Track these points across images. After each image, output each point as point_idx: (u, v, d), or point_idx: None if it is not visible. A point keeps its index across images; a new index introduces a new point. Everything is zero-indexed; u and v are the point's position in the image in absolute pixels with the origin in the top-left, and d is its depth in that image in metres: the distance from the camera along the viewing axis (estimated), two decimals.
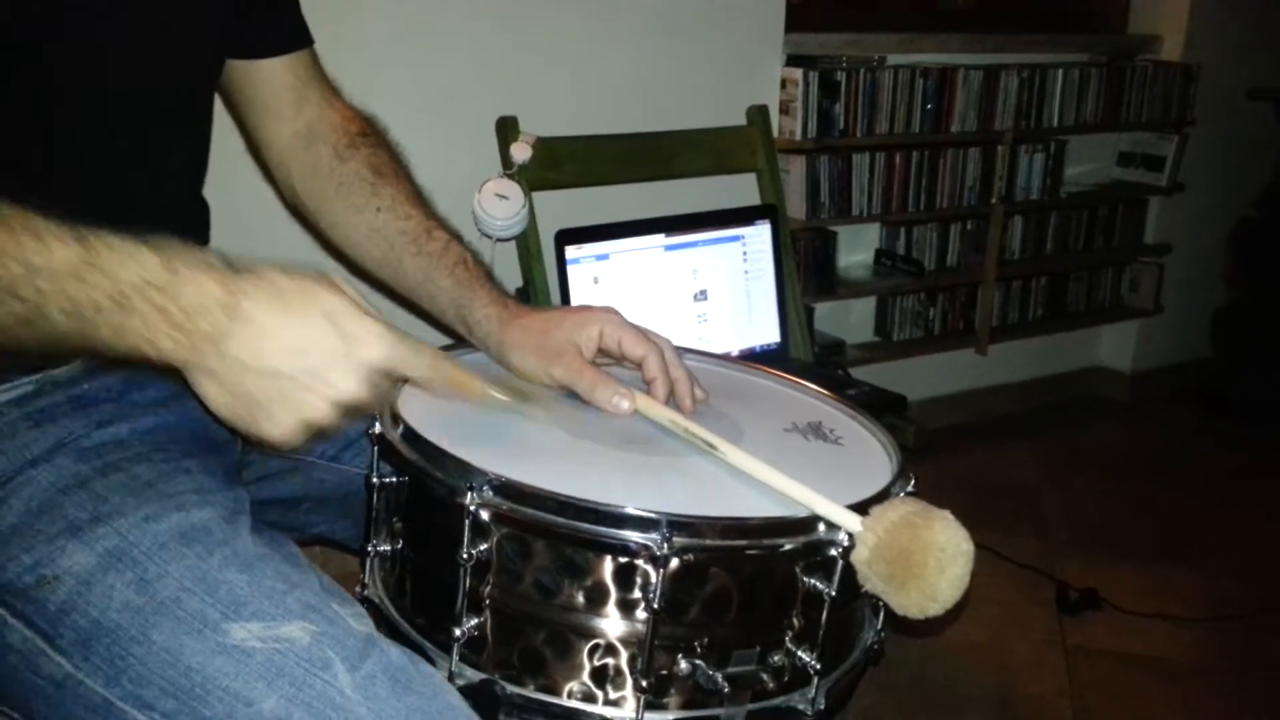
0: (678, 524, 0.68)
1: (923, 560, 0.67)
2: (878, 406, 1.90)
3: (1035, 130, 2.62)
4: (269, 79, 0.99)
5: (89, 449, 0.76)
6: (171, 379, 0.69)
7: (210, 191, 0.98)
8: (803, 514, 0.72)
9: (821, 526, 0.72)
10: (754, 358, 2.05)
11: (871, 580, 0.70)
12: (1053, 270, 2.86)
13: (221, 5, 0.90)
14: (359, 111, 1.04)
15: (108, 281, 0.61)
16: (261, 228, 1.75)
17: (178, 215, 0.92)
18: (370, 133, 1.02)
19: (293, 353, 0.65)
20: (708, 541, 0.69)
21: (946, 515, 0.69)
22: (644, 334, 0.89)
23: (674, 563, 0.68)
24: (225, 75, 0.98)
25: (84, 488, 0.73)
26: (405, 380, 0.75)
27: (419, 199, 0.98)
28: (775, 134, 2.24)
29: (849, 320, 2.63)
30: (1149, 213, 2.99)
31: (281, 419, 0.67)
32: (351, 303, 0.68)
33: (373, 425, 0.79)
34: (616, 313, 0.90)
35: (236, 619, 0.68)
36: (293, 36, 1.00)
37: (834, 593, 0.72)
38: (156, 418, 0.81)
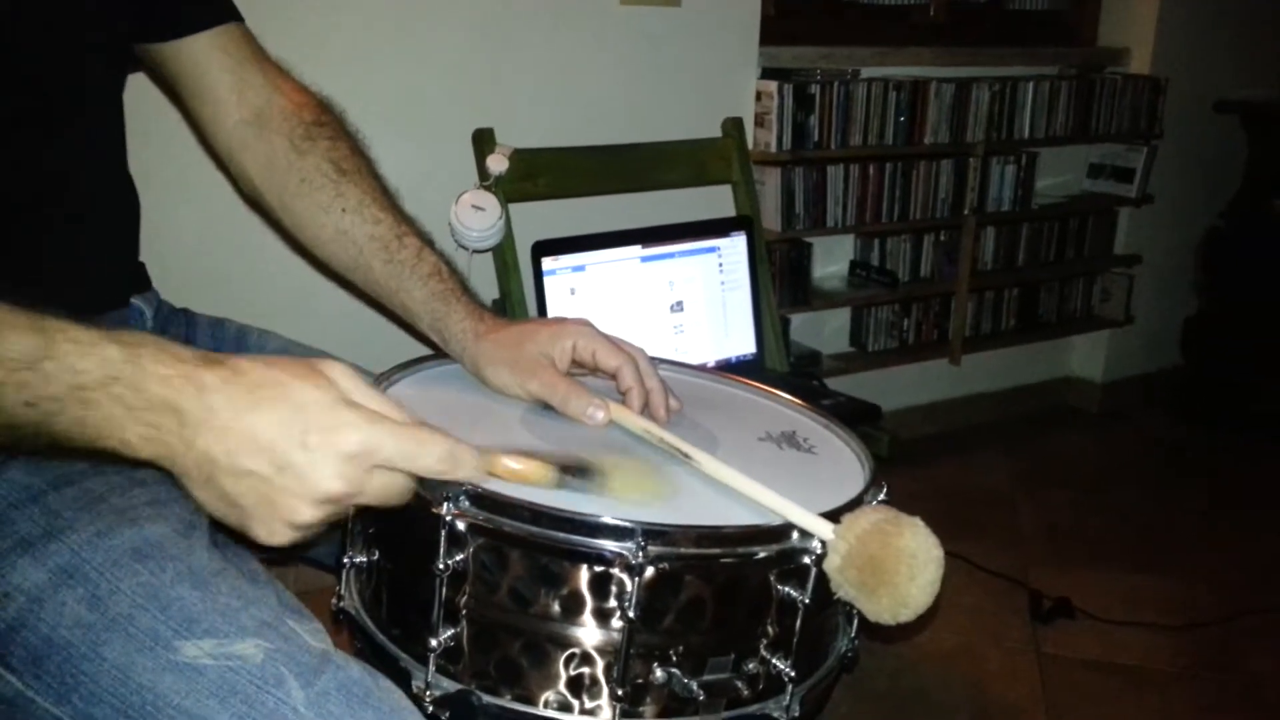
0: (652, 532, 0.68)
1: (894, 567, 0.68)
2: (852, 416, 1.91)
3: (1006, 142, 2.65)
4: (198, 60, 0.95)
5: (41, 462, 0.75)
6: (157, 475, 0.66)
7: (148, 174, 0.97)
8: (776, 522, 0.73)
9: (795, 535, 0.72)
10: (730, 368, 2.06)
11: (844, 587, 0.71)
12: (1025, 281, 2.89)
13: None
14: (312, 94, 1.00)
15: (68, 374, 0.58)
16: (215, 228, 1.74)
17: (102, 193, 0.91)
18: (326, 120, 0.98)
19: (259, 449, 0.60)
20: (682, 550, 0.69)
21: (917, 522, 0.70)
22: (618, 345, 0.89)
23: (649, 571, 0.68)
24: (156, 62, 0.95)
25: (35, 502, 0.72)
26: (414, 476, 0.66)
27: (386, 198, 0.96)
28: (750, 146, 2.26)
29: (824, 331, 2.64)
30: (1119, 223, 3.03)
31: (265, 521, 0.62)
32: (334, 395, 0.62)
33: None
34: (590, 324, 0.91)
35: (189, 636, 0.67)
36: (211, 9, 0.96)
37: (807, 600, 0.73)
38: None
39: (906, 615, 0.69)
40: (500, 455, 0.70)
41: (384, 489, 0.64)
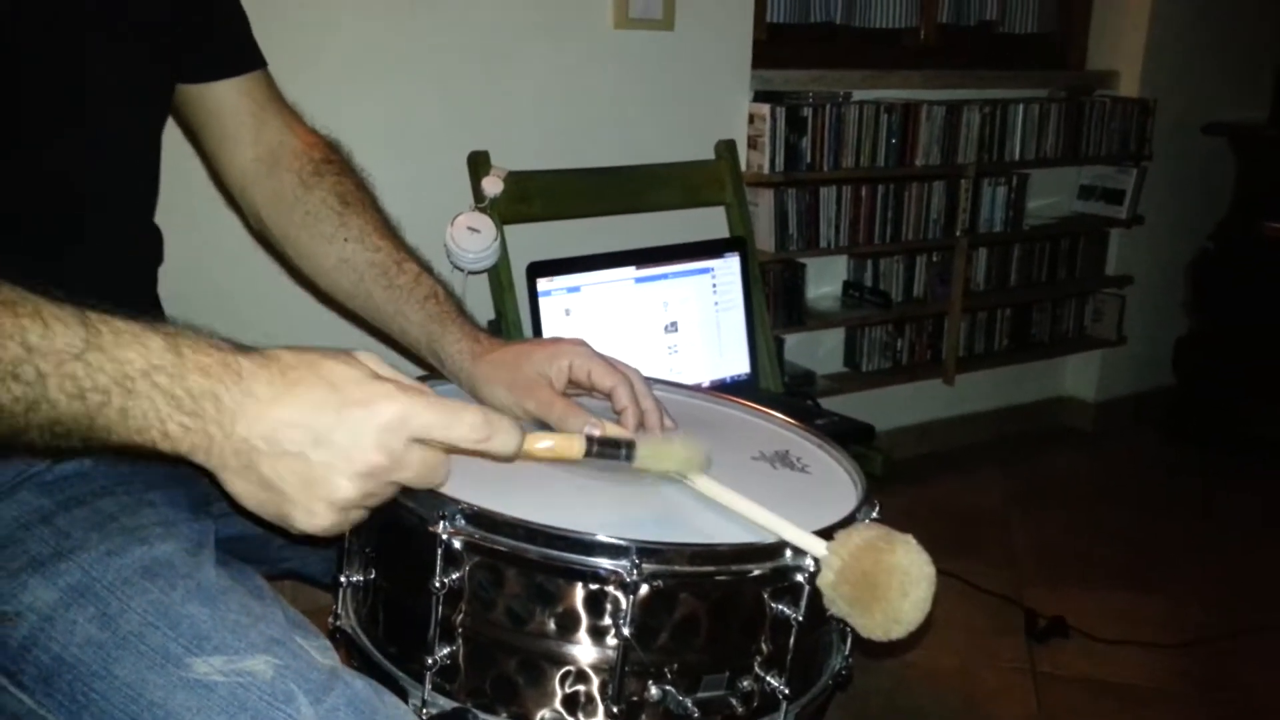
0: (647, 550, 0.69)
1: (886, 583, 0.69)
2: (846, 436, 1.92)
3: (997, 164, 2.68)
4: (223, 103, 0.98)
5: (50, 482, 0.76)
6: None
7: (169, 218, 0.98)
8: (770, 540, 0.73)
9: (788, 552, 0.73)
10: (724, 389, 2.06)
11: (837, 604, 0.71)
12: (1017, 301, 2.91)
13: (166, 30, 0.89)
14: (322, 136, 1.04)
15: (111, 364, 0.59)
16: (220, 254, 1.76)
17: (129, 242, 0.92)
18: (334, 159, 1.01)
19: (296, 426, 0.61)
20: (677, 568, 0.70)
21: (909, 539, 0.71)
22: (613, 365, 0.90)
23: (644, 589, 0.69)
24: (179, 101, 0.98)
25: (46, 522, 0.73)
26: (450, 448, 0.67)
27: (388, 229, 0.98)
28: (744, 168, 2.28)
29: (818, 351, 2.66)
30: (1110, 244, 3.06)
31: (308, 504, 0.62)
32: (366, 371, 0.63)
33: None
34: (586, 344, 0.92)
35: (199, 653, 0.68)
36: (243, 58, 0.99)
37: (801, 618, 0.74)
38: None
39: (899, 631, 0.70)
40: (531, 432, 0.71)
41: (422, 463, 0.64)
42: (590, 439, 0.75)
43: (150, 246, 0.96)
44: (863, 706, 1.78)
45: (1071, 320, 3.05)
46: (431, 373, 0.98)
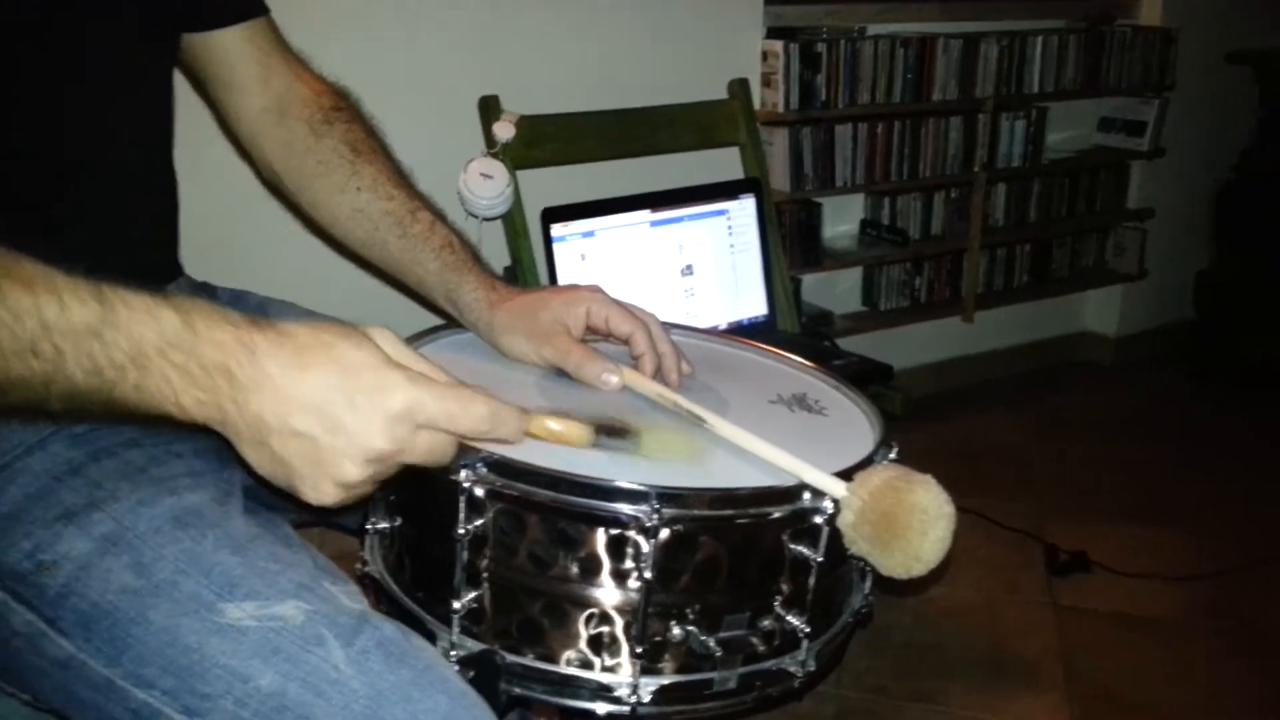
0: (667, 495, 0.69)
1: (906, 523, 0.69)
2: (864, 376, 1.92)
3: (1016, 97, 2.63)
4: (228, 51, 0.98)
5: (80, 435, 0.77)
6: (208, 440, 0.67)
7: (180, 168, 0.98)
8: (789, 482, 0.74)
9: (806, 495, 0.74)
10: (742, 331, 2.06)
11: (858, 543, 0.72)
12: (1037, 237, 2.88)
13: None
14: (330, 84, 1.03)
15: (126, 341, 0.59)
16: (232, 203, 1.76)
17: (143, 181, 0.92)
18: (344, 106, 1.01)
19: (308, 409, 0.61)
20: (696, 512, 0.71)
21: (928, 479, 0.71)
22: (630, 310, 0.91)
23: (664, 533, 0.70)
24: (184, 52, 0.97)
25: (78, 473, 0.74)
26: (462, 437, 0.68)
27: (400, 177, 0.98)
28: (758, 106, 2.25)
29: (836, 291, 2.64)
30: (1131, 177, 3.01)
31: (315, 481, 0.63)
32: (380, 356, 0.64)
33: None
34: (602, 291, 0.92)
35: (231, 599, 0.69)
36: (246, 5, 0.99)
37: (820, 558, 0.74)
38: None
39: (919, 569, 0.70)
40: (539, 416, 0.72)
41: (428, 448, 0.65)
42: (598, 429, 0.74)
43: (167, 195, 0.96)
44: (884, 642, 1.80)
45: (1092, 255, 3.02)
46: (449, 321, 0.98)
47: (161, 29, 0.92)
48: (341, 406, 0.61)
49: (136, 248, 0.92)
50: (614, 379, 0.87)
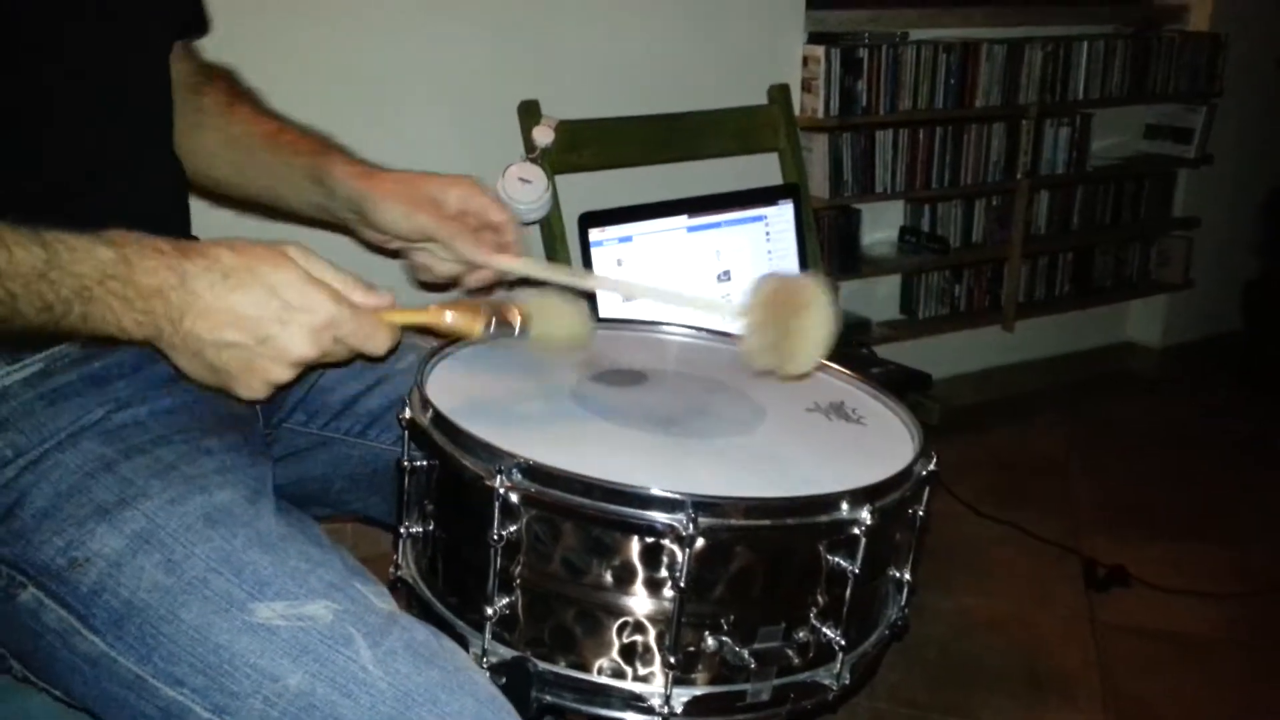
0: (703, 504, 0.69)
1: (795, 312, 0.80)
2: (902, 385, 1.90)
3: (1060, 104, 2.60)
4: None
5: (111, 431, 0.78)
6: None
7: None
8: (826, 492, 0.73)
9: (844, 505, 0.73)
10: None
11: (762, 345, 0.81)
12: (1080, 245, 2.84)
13: None
14: (210, 61, 1.06)
15: (71, 279, 0.67)
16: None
17: (153, 166, 0.93)
18: (223, 72, 1.04)
19: (241, 324, 0.70)
20: (732, 521, 0.70)
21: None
22: (502, 205, 0.97)
23: (699, 543, 0.69)
24: None
25: (110, 470, 0.75)
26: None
27: (276, 116, 1.01)
28: (797, 112, 2.24)
29: (874, 298, 2.62)
30: (1177, 185, 2.97)
31: (247, 382, 0.72)
32: (299, 273, 0.72)
33: (403, 410, 0.81)
34: (478, 181, 0.97)
35: (261, 598, 0.70)
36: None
37: (857, 570, 0.73)
38: (173, 398, 0.82)
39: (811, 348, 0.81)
40: (435, 312, 0.81)
41: (346, 352, 0.75)
42: (490, 320, 0.82)
43: (179, 174, 0.97)
44: (919, 655, 1.78)
45: (1136, 264, 2.98)
46: (324, 225, 0.99)
47: (159, 30, 0.94)
48: (271, 322, 0.70)
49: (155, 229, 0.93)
50: (484, 253, 0.93)
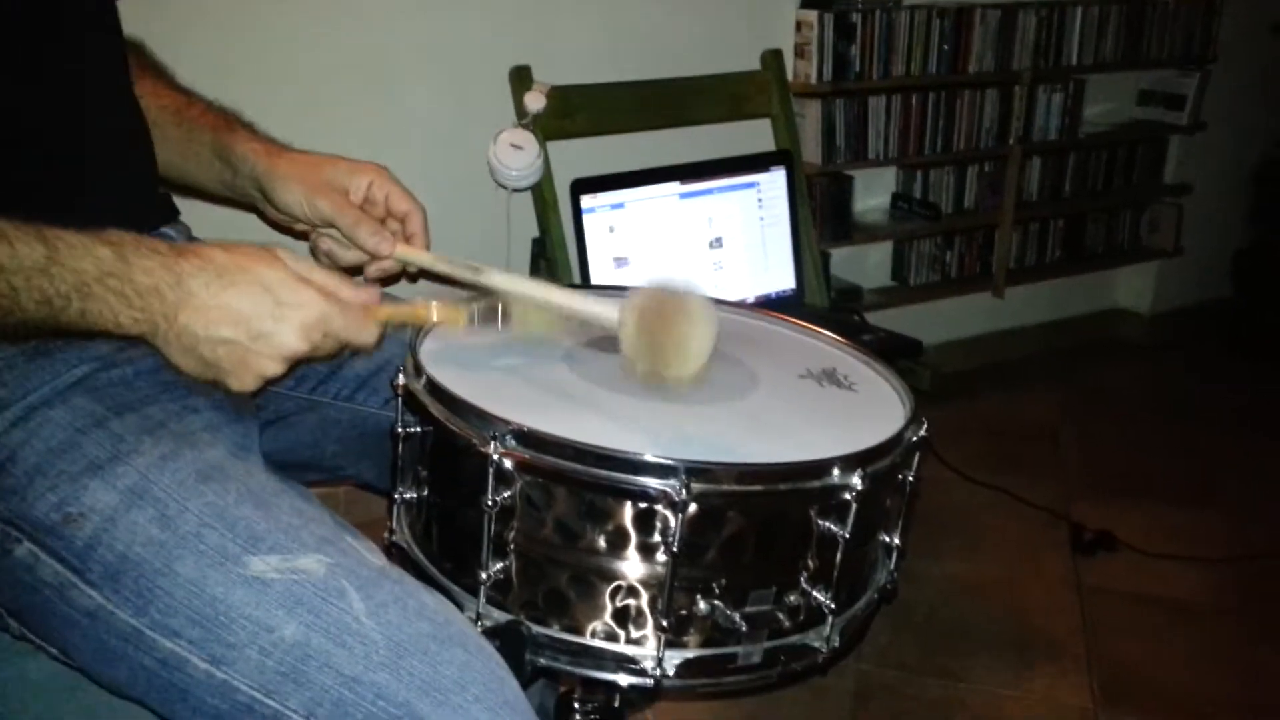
0: (696, 470, 0.69)
1: (673, 320, 0.80)
2: (893, 351, 1.91)
3: (1054, 69, 2.59)
4: None
5: (100, 389, 0.79)
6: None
7: None
8: (818, 458, 0.74)
9: (835, 471, 0.73)
10: (770, 304, 2.06)
11: (638, 350, 0.81)
12: (1071, 212, 2.84)
13: None
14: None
15: (71, 275, 0.69)
16: None
17: (112, 116, 0.92)
18: (134, 48, 1.01)
19: (236, 321, 0.73)
20: (725, 487, 0.71)
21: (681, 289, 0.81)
22: (409, 193, 0.96)
23: (692, 508, 0.70)
24: None
25: (101, 427, 0.76)
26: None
27: (179, 88, 1.01)
28: (790, 77, 2.23)
29: (866, 265, 2.63)
30: (1169, 152, 2.96)
31: (239, 376, 0.75)
32: (289, 272, 0.75)
33: (396, 377, 0.81)
34: (387, 170, 0.97)
35: (255, 552, 0.71)
36: None
37: (848, 534, 0.74)
38: (156, 358, 0.81)
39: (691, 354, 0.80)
40: (425, 307, 0.83)
41: (334, 347, 0.78)
42: (473, 314, 0.85)
43: (142, 132, 0.96)
44: (907, 618, 1.81)
45: (1127, 230, 2.98)
46: (227, 202, 0.99)
47: None
48: (264, 318, 0.73)
49: (130, 192, 0.92)
50: (386, 246, 0.92)
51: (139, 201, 0.93)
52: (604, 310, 0.83)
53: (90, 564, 0.71)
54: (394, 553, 0.85)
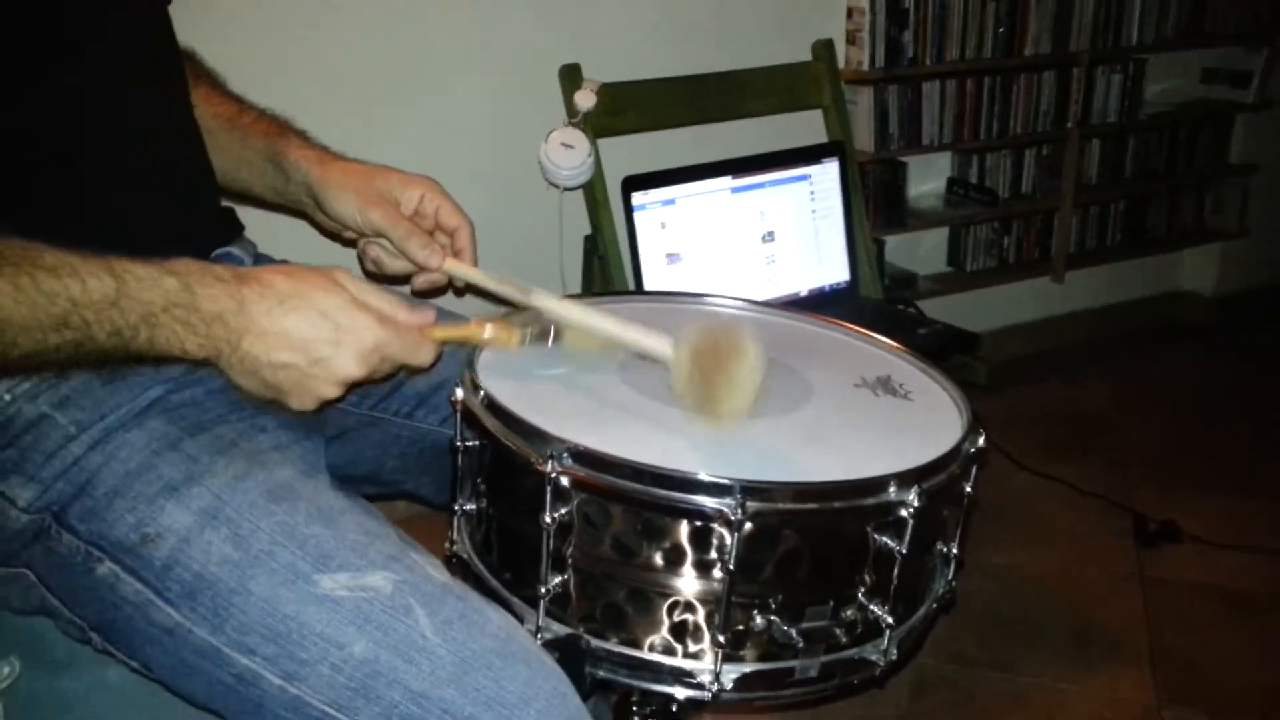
0: (751, 489, 0.70)
1: (724, 362, 0.79)
2: (949, 347, 1.89)
3: (1113, 50, 2.53)
4: None
5: (172, 410, 0.81)
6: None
7: None
8: (874, 475, 0.74)
9: (891, 488, 0.73)
10: (824, 297, 2.05)
11: (688, 388, 0.81)
12: (1132, 194, 2.78)
13: None
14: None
15: (139, 306, 0.71)
16: None
17: (170, 133, 0.94)
18: (185, 56, 1.02)
19: (295, 347, 0.75)
20: (780, 505, 0.71)
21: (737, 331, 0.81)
22: (459, 208, 0.98)
23: (748, 526, 0.71)
24: None
25: (175, 449, 0.78)
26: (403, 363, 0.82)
27: (233, 96, 1.02)
28: (842, 65, 2.21)
29: (920, 252, 2.60)
30: (1234, 131, 2.88)
31: (299, 398, 0.77)
32: (348, 298, 0.77)
33: (454, 392, 0.82)
34: (438, 183, 0.98)
35: (325, 570, 0.73)
36: None
37: (904, 550, 0.74)
38: (223, 379, 0.84)
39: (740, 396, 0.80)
40: (474, 328, 0.86)
41: (390, 369, 0.80)
42: (525, 334, 0.88)
43: (200, 150, 0.98)
44: (964, 610, 1.79)
45: (1190, 213, 2.91)
46: (282, 209, 1.00)
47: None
48: (324, 344, 0.76)
49: (179, 205, 0.93)
50: (435, 259, 0.93)
51: (188, 219, 0.94)
52: (656, 345, 0.84)
53: (168, 583, 0.74)
54: (454, 564, 0.87)
